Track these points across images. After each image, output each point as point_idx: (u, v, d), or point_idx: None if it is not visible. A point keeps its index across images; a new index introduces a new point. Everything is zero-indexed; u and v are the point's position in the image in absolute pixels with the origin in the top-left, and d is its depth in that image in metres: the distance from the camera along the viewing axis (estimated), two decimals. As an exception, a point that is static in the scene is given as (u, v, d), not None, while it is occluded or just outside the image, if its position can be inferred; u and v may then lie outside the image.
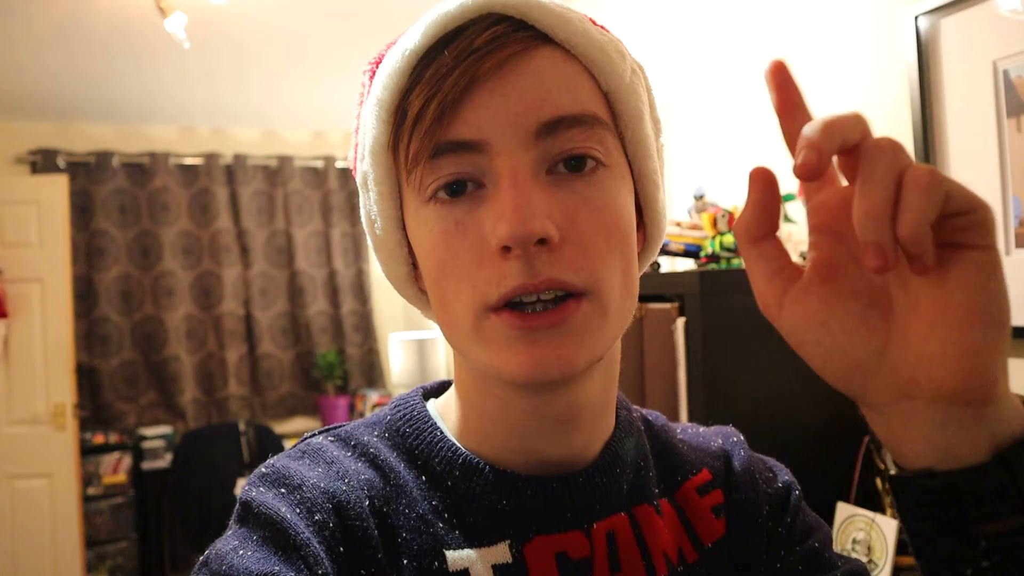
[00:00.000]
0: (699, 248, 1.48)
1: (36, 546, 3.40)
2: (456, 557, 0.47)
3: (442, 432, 0.52)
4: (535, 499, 0.49)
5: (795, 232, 1.70)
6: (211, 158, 4.16)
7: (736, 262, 1.41)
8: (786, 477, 0.61)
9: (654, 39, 2.18)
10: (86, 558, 3.52)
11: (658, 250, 0.55)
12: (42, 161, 3.86)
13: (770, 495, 0.58)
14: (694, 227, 1.54)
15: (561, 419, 0.49)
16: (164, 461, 3.82)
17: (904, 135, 1.44)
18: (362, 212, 0.52)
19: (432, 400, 0.56)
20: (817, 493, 1.30)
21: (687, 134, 2.07)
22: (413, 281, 0.53)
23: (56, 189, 3.53)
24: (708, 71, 1.99)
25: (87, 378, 3.85)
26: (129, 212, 4.03)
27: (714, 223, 1.44)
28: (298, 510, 0.44)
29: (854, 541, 1.19)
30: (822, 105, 1.64)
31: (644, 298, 1.43)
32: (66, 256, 3.51)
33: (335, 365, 4.27)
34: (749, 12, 1.85)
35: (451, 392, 0.55)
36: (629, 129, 0.49)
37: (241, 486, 0.49)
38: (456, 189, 0.45)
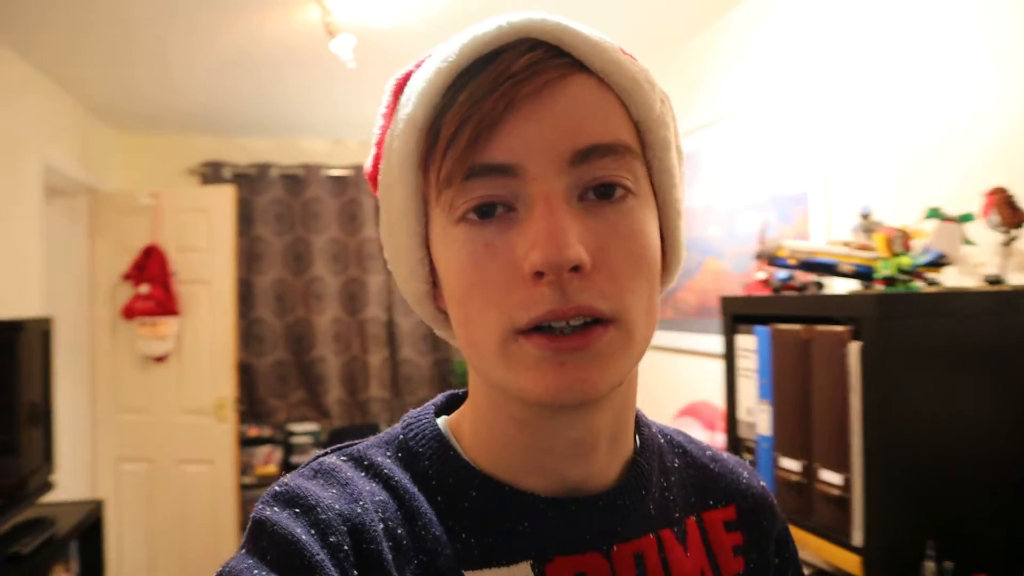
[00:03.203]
0: (870, 269, 1.43)
1: (199, 524, 3.70)
2: None
3: (456, 452, 0.52)
4: (555, 521, 0.49)
5: (973, 254, 1.61)
6: (359, 170, 4.38)
7: (915, 285, 1.35)
8: (779, 511, 0.63)
9: (810, 47, 2.12)
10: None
11: (676, 276, 0.54)
12: (211, 173, 4.20)
13: (778, 531, 0.61)
14: (863, 247, 1.49)
15: (579, 441, 0.49)
16: (311, 456, 4.04)
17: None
18: (381, 225, 0.52)
19: (443, 417, 0.56)
20: (1005, 530, 1.23)
21: (849, 150, 1.99)
22: (431, 299, 0.53)
23: (224, 198, 3.83)
24: (872, 81, 1.91)
25: (244, 374, 4.13)
26: (285, 220, 4.31)
27: (888, 244, 1.39)
28: (312, 531, 0.43)
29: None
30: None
31: (810, 319, 1.39)
32: (231, 260, 3.80)
33: (470, 372, 4.37)
34: (924, 14, 1.76)
35: (464, 410, 0.55)
36: (656, 158, 0.49)
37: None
38: (486, 211, 0.45)
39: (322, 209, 4.31)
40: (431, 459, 0.51)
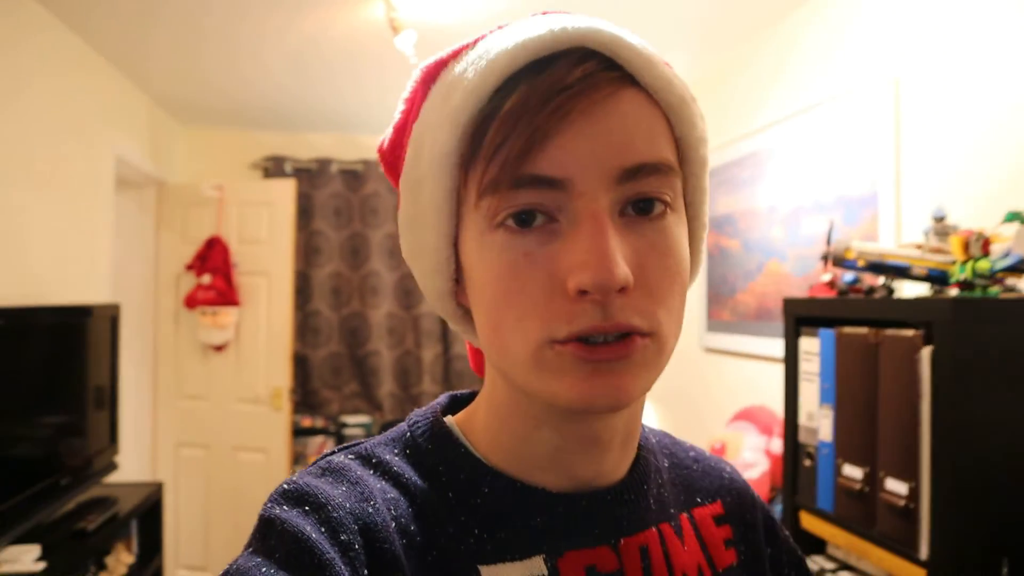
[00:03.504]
0: (944, 273, 1.37)
1: (253, 510, 3.75)
2: (490, 572, 0.47)
3: (466, 448, 0.52)
4: (566, 516, 0.50)
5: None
6: (417, 166, 4.41)
7: (993, 290, 1.29)
8: (760, 501, 0.64)
9: (882, 43, 2.05)
10: (292, 530, 3.86)
11: (691, 286, 0.55)
12: (273, 167, 4.28)
13: (763, 521, 0.63)
14: (936, 250, 1.43)
15: (596, 440, 0.50)
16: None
17: None
18: (401, 216, 0.52)
19: (449, 416, 0.56)
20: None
21: (922, 148, 1.92)
22: (453, 296, 0.52)
23: (285, 192, 3.90)
24: (947, 79, 1.84)
25: (299, 365, 4.20)
26: (343, 215, 4.36)
27: (965, 247, 1.33)
28: (323, 529, 0.43)
29: None
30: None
31: (877, 323, 1.34)
32: (290, 253, 3.87)
33: (521, 370, 4.37)
34: (1004, 8, 1.69)
35: (476, 407, 0.55)
36: (694, 175, 0.50)
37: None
38: (525, 219, 0.44)
39: (380, 204, 4.36)
40: (441, 456, 0.51)
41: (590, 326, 0.43)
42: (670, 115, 0.48)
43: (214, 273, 3.78)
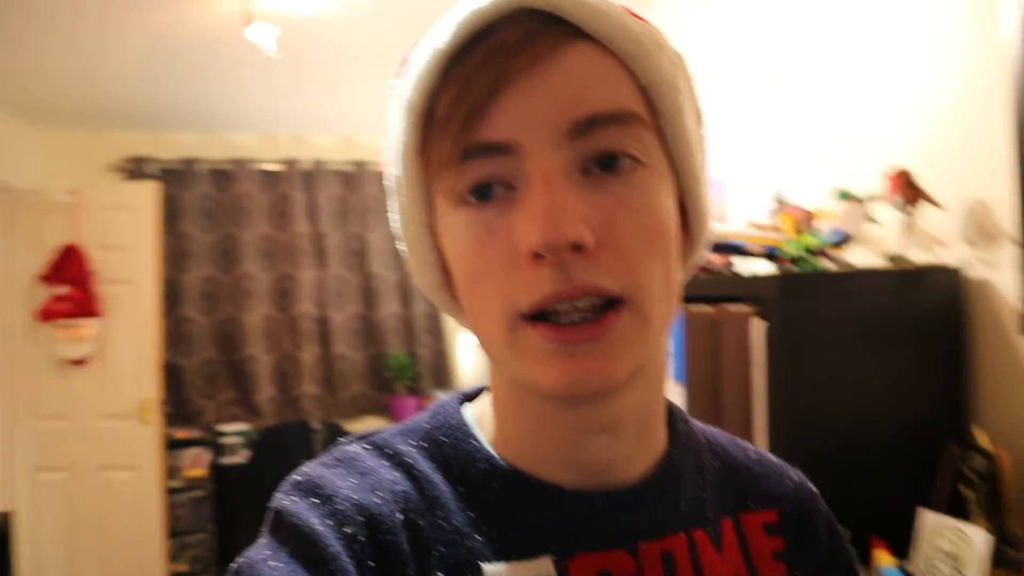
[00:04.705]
0: (777, 250, 1.45)
1: (123, 533, 3.56)
2: (493, 571, 0.45)
3: (479, 442, 0.50)
4: (579, 515, 0.48)
5: (880, 234, 1.64)
6: (291, 164, 4.29)
7: (814, 263, 1.37)
8: (824, 511, 0.59)
9: (722, 32, 2.15)
10: (169, 547, 3.66)
11: (702, 246, 0.52)
12: (135, 168, 4.06)
13: (834, 554, 0.57)
14: (774, 228, 1.51)
15: (601, 428, 0.47)
16: (241, 457, 3.94)
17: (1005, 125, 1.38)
18: (392, 217, 0.51)
19: (469, 406, 0.54)
20: (899, 499, 1.26)
21: (763, 133, 2.03)
22: (445, 288, 0.51)
23: (148, 195, 3.71)
24: (786, 66, 1.95)
25: (171, 375, 4.00)
26: (213, 216, 4.19)
27: (795, 224, 1.41)
28: (329, 522, 0.43)
29: (944, 552, 1.14)
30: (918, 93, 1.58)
31: (720, 299, 1.40)
32: (156, 259, 3.68)
33: (406, 366, 4.33)
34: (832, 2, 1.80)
35: (487, 399, 0.53)
36: (669, 124, 0.46)
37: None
38: (484, 192, 0.43)
39: (252, 204, 4.21)
40: (454, 449, 0.50)
41: (552, 292, 0.40)
42: (629, 63, 0.44)
43: (71, 283, 3.54)
